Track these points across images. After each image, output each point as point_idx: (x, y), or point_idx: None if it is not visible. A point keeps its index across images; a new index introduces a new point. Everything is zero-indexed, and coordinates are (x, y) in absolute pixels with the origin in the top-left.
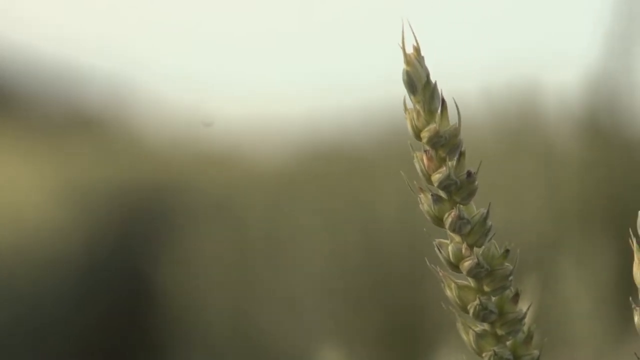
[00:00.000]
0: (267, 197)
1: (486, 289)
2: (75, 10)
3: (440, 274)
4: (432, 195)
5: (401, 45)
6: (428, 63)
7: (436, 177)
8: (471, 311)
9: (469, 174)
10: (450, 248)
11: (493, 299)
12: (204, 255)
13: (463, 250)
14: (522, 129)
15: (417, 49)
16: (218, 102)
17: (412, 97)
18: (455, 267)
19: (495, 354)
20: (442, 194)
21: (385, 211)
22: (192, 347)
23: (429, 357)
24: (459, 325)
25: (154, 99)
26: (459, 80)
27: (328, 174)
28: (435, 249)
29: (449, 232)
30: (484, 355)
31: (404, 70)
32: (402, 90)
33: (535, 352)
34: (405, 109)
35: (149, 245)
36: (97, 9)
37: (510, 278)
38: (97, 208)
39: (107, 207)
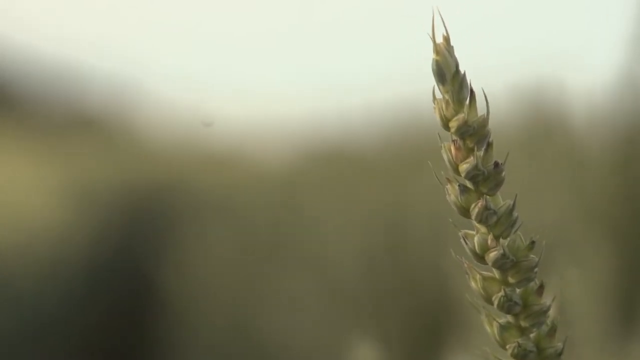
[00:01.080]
0: (267, 197)
1: (511, 280)
2: (75, 10)
3: (466, 265)
4: (459, 185)
5: (430, 34)
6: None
7: (464, 167)
8: (496, 302)
9: (496, 164)
10: (476, 239)
11: (518, 290)
12: (206, 255)
13: (489, 241)
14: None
15: (446, 39)
16: (218, 102)
17: (440, 87)
18: (480, 258)
19: (519, 346)
20: (469, 184)
21: (386, 210)
22: (193, 348)
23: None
24: (483, 318)
25: (154, 99)
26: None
27: (329, 174)
28: (461, 239)
29: (474, 223)
30: (507, 347)
31: (433, 59)
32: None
33: (559, 345)
34: (434, 98)
35: (150, 245)
36: (97, 9)
37: (535, 270)
38: (97, 208)
39: (107, 208)
